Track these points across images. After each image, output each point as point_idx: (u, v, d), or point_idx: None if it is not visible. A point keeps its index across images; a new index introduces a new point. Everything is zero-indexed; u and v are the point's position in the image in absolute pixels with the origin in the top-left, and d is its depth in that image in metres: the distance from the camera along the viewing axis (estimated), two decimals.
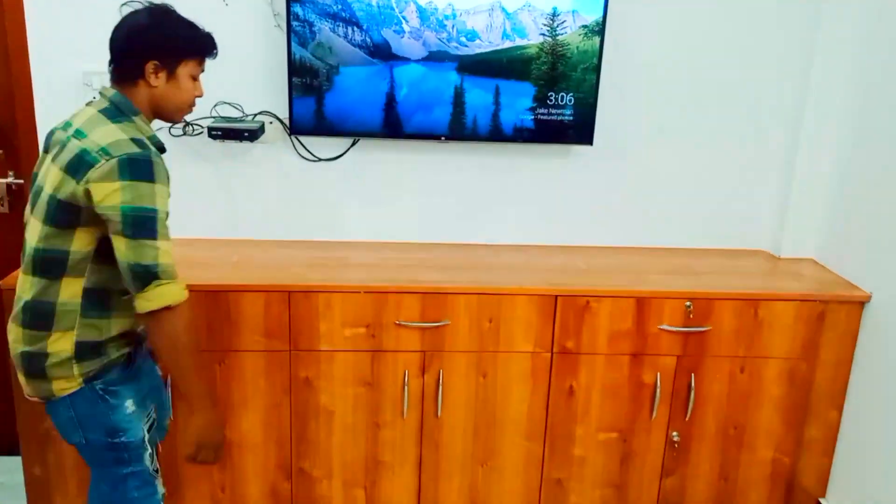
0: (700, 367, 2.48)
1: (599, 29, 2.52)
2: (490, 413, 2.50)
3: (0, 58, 2.60)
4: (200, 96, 1.85)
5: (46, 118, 2.59)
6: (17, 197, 2.75)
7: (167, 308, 1.68)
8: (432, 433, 2.50)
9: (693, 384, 2.49)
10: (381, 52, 2.50)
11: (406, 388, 2.43)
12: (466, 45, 2.51)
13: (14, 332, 1.81)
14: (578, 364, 2.47)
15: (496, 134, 2.60)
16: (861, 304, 2.48)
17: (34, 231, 1.74)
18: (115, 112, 1.75)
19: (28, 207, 1.80)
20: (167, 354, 1.75)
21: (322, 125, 2.54)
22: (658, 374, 2.48)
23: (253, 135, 2.49)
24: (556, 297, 2.40)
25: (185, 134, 2.60)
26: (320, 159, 2.69)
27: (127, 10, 1.93)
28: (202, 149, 2.65)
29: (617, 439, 2.55)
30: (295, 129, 2.56)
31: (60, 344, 1.75)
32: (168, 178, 1.73)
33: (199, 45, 1.81)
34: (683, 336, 2.45)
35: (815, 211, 2.74)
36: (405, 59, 2.50)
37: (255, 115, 2.61)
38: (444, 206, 2.80)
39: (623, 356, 2.46)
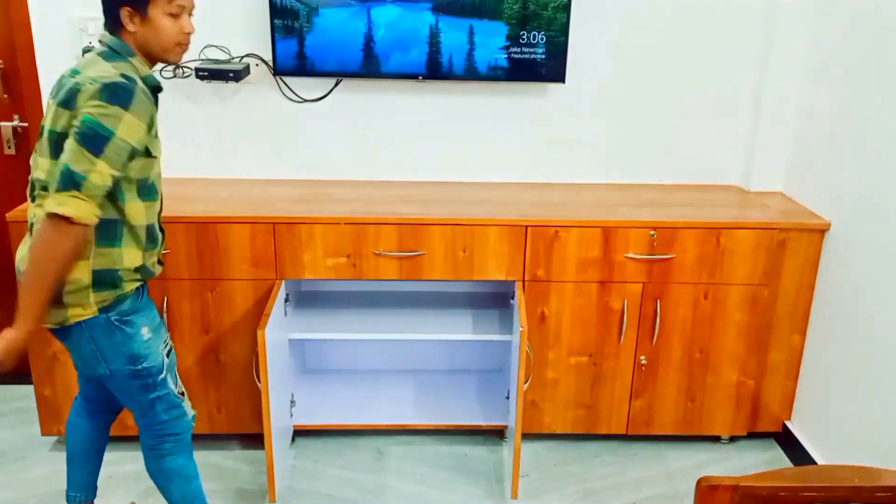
0: (665, 294, 2.60)
1: None
2: None
3: (1, 6, 2.74)
4: (189, 32, 1.87)
5: (46, 63, 2.74)
6: (22, 139, 2.90)
7: (68, 219, 1.69)
8: None
9: (659, 310, 2.61)
10: None
11: None
12: None
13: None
14: (549, 291, 2.59)
15: (471, 72, 2.70)
16: (821, 232, 2.57)
17: (42, 168, 1.80)
18: (112, 54, 1.83)
19: (35, 148, 1.87)
20: (35, 259, 1.74)
21: (304, 65, 2.66)
22: (625, 300, 2.60)
23: (237, 75, 2.61)
24: (526, 227, 2.52)
25: (175, 76, 2.73)
26: (305, 100, 2.81)
27: None
28: (192, 91, 2.78)
29: (587, 363, 2.68)
30: (278, 69, 2.68)
31: (77, 272, 1.81)
32: (148, 115, 1.79)
33: None
34: (648, 263, 2.56)
35: (781, 146, 2.83)
36: (381, 0, 2.60)
37: (242, 57, 2.73)
38: (424, 144, 2.91)
39: (591, 283, 2.58)
